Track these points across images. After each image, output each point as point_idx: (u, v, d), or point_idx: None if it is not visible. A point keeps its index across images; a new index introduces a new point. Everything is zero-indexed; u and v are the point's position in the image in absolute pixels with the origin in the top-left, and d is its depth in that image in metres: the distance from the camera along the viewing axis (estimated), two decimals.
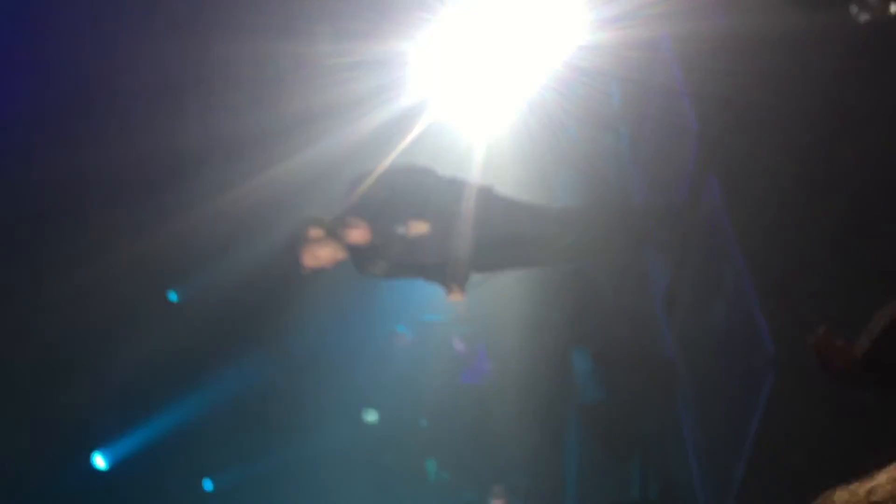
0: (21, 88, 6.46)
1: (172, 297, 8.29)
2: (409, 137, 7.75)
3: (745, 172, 3.70)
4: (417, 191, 4.44)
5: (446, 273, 4.24)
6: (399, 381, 8.69)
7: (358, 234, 4.13)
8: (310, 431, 8.82)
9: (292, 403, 8.71)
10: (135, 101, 6.90)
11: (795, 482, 3.19)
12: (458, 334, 8.35)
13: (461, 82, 7.18)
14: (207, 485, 8.79)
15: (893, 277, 2.73)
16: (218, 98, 7.01)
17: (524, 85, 6.88)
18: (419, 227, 4.23)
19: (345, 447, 8.77)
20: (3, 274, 6.78)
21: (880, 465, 2.53)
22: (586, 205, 4.35)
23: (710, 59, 4.21)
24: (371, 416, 8.63)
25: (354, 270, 4.33)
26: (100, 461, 7.93)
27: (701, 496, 4.07)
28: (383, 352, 8.60)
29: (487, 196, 4.47)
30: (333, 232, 4.14)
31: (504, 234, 4.25)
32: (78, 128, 6.72)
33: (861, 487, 1.01)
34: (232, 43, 6.72)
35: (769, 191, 3.51)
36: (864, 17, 2.35)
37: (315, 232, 4.11)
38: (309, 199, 7.75)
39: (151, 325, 7.92)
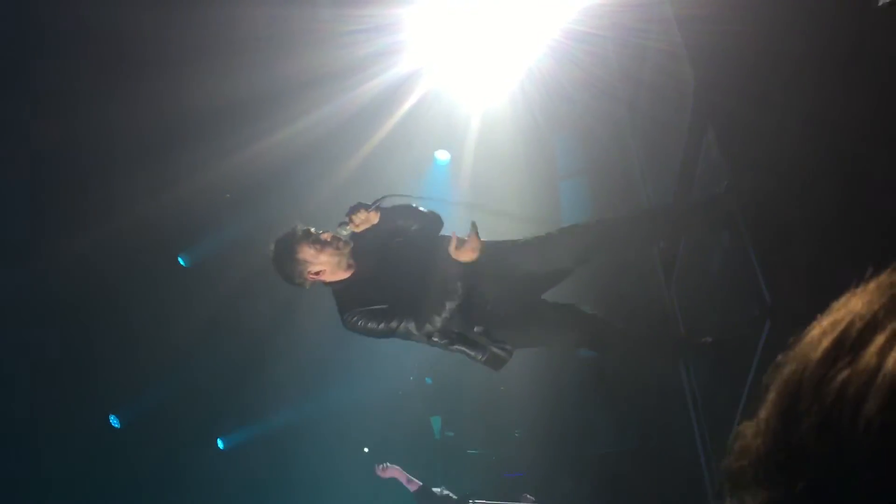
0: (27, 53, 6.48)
1: (182, 261, 8.38)
2: (408, 104, 7.83)
3: (742, 128, 3.77)
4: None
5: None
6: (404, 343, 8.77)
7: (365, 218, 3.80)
8: (319, 390, 8.95)
9: (302, 361, 8.81)
10: (139, 66, 6.91)
11: None
12: None
13: (460, 48, 7.23)
14: (220, 444, 8.97)
15: (892, 224, 2.81)
16: (220, 63, 7.03)
17: (522, 50, 6.94)
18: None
19: (353, 405, 8.88)
20: (19, 233, 6.85)
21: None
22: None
23: (708, 21, 4.26)
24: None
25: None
26: (113, 421, 8.08)
27: (700, 446, 4.19)
28: None
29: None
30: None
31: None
32: (83, 92, 6.74)
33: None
34: (233, 8, 6.73)
35: (768, 146, 3.58)
36: None
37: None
38: (310, 163, 7.84)
39: (163, 286, 8.04)
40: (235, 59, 7.11)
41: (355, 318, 3.70)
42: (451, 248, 3.59)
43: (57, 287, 7.32)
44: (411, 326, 3.68)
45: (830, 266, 3.04)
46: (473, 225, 3.63)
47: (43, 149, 6.72)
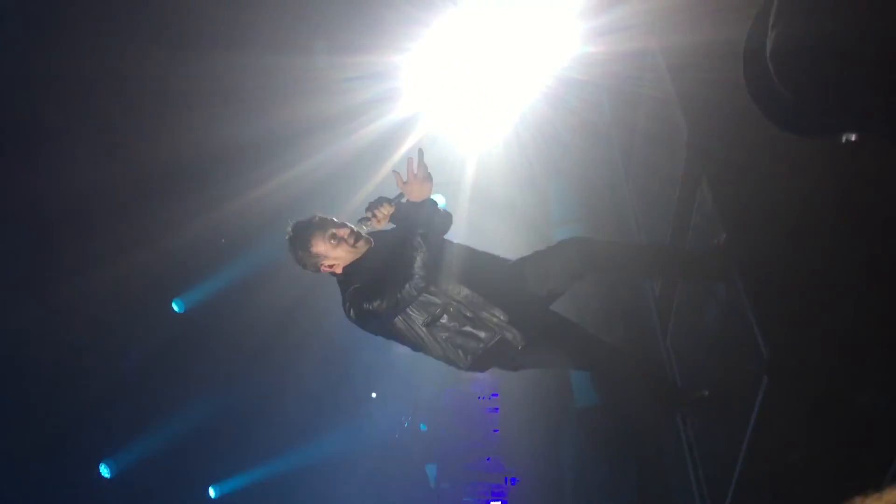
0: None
1: (177, 306, 8.35)
2: (404, 149, 7.87)
3: (736, 179, 3.76)
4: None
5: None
6: (399, 386, 8.74)
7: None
8: (313, 437, 8.88)
9: (295, 410, 8.75)
10: (137, 114, 6.96)
11: (791, 487, 3.25)
12: None
13: (455, 94, 7.29)
14: (213, 492, 8.84)
15: (886, 278, 2.79)
16: (218, 110, 7.08)
17: (517, 96, 6.99)
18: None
19: (347, 452, 8.81)
20: (12, 281, 6.81)
21: (874, 478, 2.60)
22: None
23: (699, 70, 4.28)
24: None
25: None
26: (105, 471, 7.96)
27: (697, 501, 4.11)
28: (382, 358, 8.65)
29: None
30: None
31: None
32: (83, 140, 6.77)
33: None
34: (231, 57, 6.79)
35: (760, 196, 3.57)
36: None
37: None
38: (306, 209, 7.83)
39: (157, 334, 7.98)
40: (232, 106, 7.16)
41: (347, 305, 3.61)
42: (400, 185, 3.54)
43: (50, 332, 7.26)
44: (396, 292, 3.50)
45: (828, 321, 3.01)
46: (420, 152, 3.57)
47: (40, 195, 6.72)
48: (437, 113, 7.61)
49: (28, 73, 6.30)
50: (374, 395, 8.98)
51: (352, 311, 3.58)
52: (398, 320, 3.68)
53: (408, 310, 3.64)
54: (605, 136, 5.96)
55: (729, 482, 3.60)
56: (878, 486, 2.69)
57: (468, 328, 3.69)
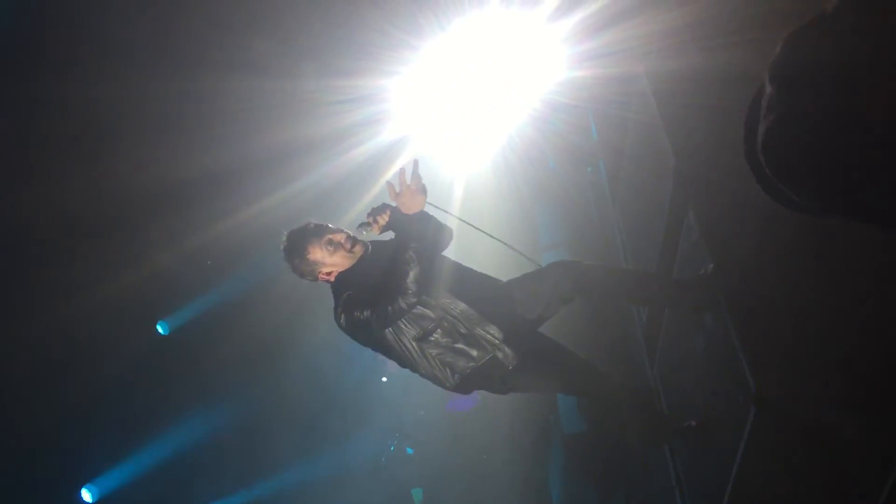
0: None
1: (162, 329, 8.29)
2: (392, 171, 7.86)
3: (723, 205, 3.75)
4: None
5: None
6: (384, 409, 8.68)
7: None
8: (297, 461, 8.80)
9: (280, 434, 8.68)
10: (123, 135, 6.93)
11: None
12: None
13: (443, 117, 7.29)
14: None
15: (874, 310, 2.78)
16: (206, 133, 7.06)
17: (504, 119, 6.99)
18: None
19: (333, 475, 8.73)
20: None
21: (864, 500, 2.58)
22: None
23: (686, 95, 4.29)
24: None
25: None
26: (87, 495, 7.85)
27: None
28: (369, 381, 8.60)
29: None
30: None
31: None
32: (67, 161, 6.73)
33: None
34: (219, 79, 6.78)
35: (747, 224, 3.55)
36: None
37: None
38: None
39: (142, 356, 7.91)
40: (220, 128, 7.15)
41: (339, 311, 3.53)
42: (393, 196, 3.48)
43: (33, 355, 7.18)
44: (388, 305, 3.42)
45: (816, 352, 2.99)
46: (415, 163, 3.53)
47: (23, 216, 6.67)
48: (425, 135, 7.61)
49: (11, 95, 6.29)
50: (384, 378, 8.76)
51: (342, 319, 3.52)
52: (388, 332, 3.58)
53: (400, 322, 3.55)
54: (591, 161, 5.95)
55: None
56: None
57: (461, 345, 3.61)
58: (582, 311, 4.95)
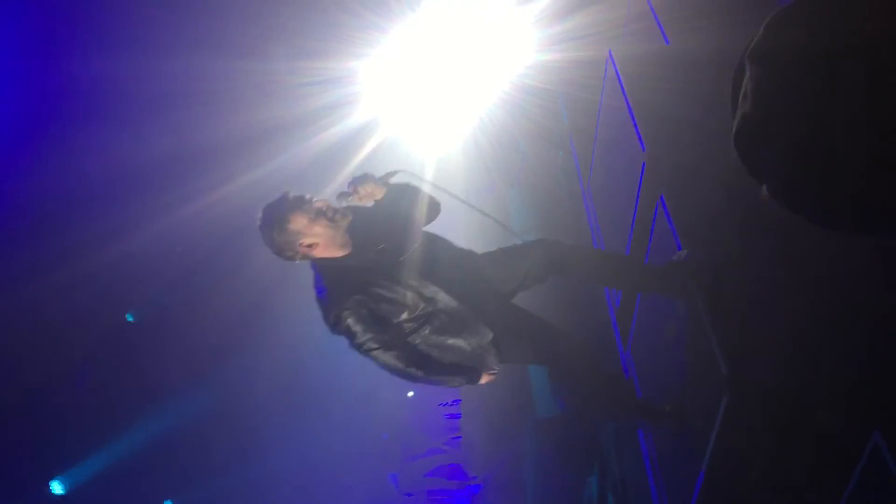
0: None
1: (129, 318, 8.19)
2: (364, 152, 7.81)
3: (694, 191, 3.76)
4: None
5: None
6: (360, 396, 8.68)
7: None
8: (272, 449, 8.78)
9: (254, 422, 8.65)
10: (91, 117, 6.82)
11: (751, 502, 3.26)
12: None
13: (414, 99, 7.24)
14: None
15: (847, 296, 2.80)
16: (174, 114, 6.96)
17: (475, 102, 6.96)
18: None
19: (309, 461, 8.73)
20: None
21: (832, 494, 2.61)
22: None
23: (654, 79, 4.28)
24: None
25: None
26: (57, 487, 7.79)
27: None
28: (343, 369, 8.56)
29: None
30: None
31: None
32: (31, 144, 6.62)
33: None
34: (187, 61, 6.67)
35: (718, 209, 3.56)
36: None
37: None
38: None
39: (110, 346, 7.83)
40: (188, 110, 7.05)
41: (346, 314, 3.36)
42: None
43: None
44: (397, 359, 3.44)
45: (787, 339, 3.01)
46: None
47: None
48: (395, 118, 7.56)
49: None
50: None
51: (341, 329, 3.40)
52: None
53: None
54: (562, 145, 5.94)
55: (690, 496, 3.59)
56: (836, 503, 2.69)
57: (451, 341, 3.56)
58: (555, 296, 4.94)
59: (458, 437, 8.41)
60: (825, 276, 2.91)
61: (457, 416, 8.40)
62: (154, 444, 8.05)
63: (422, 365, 3.52)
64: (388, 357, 3.44)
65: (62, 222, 7.10)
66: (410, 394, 8.89)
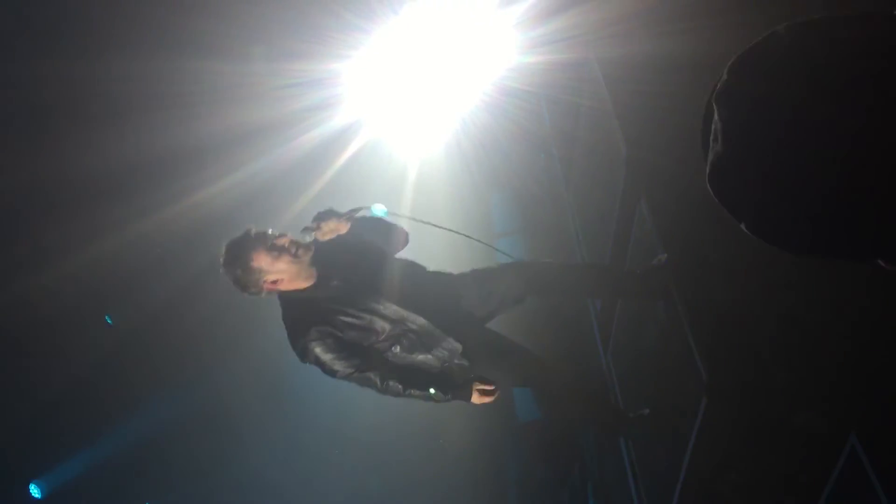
0: None
1: (108, 320, 8.11)
2: (345, 156, 7.77)
3: (675, 194, 3.76)
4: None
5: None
6: (341, 399, 8.61)
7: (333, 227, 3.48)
8: (253, 451, 8.73)
9: (235, 424, 8.60)
10: (69, 117, 6.75)
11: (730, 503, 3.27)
12: None
13: (396, 101, 7.22)
14: None
15: (824, 301, 2.81)
16: (150, 116, 6.89)
17: (457, 104, 6.95)
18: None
19: (288, 468, 8.68)
20: None
21: (809, 495, 2.62)
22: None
23: (636, 82, 4.29)
24: None
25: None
26: (35, 491, 7.71)
27: None
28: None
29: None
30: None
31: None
32: (5, 145, 6.54)
33: None
34: (165, 61, 6.61)
35: (699, 211, 3.57)
36: None
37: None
38: (244, 217, 7.68)
39: (88, 348, 7.74)
40: (164, 112, 6.98)
41: (312, 345, 3.39)
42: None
43: None
44: (374, 377, 3.46)
45: (766, 343, 3.03)
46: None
47: None
48: (377, 120, 7.53)
49: None
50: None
51: (305, 355, 3.44)
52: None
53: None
54: (545, 147, 5.95)
55: (670, 498, 3.60)
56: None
57: (420, 357, 3.59)
58: (535, 301, 4.95)
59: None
60: (804, 280, 2.92)
61: None
62: (134, 447, 7.98)
63: (402, 380, 3.52)
64: (363, 378, 3.47)
65: (39, 223, 7.02)
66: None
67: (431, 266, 3.81)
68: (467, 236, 4.11)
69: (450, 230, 4.09)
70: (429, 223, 3.98)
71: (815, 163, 0.85)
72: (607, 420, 4.14)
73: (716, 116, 0.95)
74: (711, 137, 0.96)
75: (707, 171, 0.99)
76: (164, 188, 7.37)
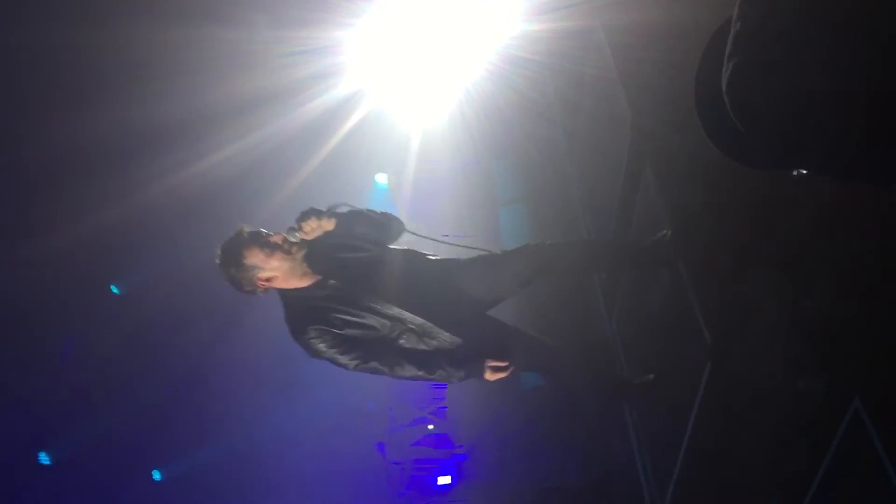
0: None
1: (115, 290, 8.15)
2: (348, 125, 7.76)
3: (680, 162, 3.77)
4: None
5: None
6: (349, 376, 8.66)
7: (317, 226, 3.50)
8: (258, 417, 8.80)
9: (240, 391, 8.65)
10: (73, 86, 6.73)
11: (733, 467, 3.31)
12: None
13: (399, 70, 7.19)
14: (156, 475, 8.72)
15: (827, 268, 2.83)
16: (156, 85, 6.87)
17: (461, 72, 6.92)
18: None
19: (295, 432, 8.75)
20: None
21: (813, 458, 2.66)
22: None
23: (642, 50, 4.27)
24: None
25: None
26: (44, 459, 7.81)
27: (644, 483, 4.17)
28: None
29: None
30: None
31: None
32: (11, 113, 6.54)
33: None
34: (168, 29, 6.58)
35: (703, 182, 3.58)
36: None
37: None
38: (247, 186, 7.69)
39: (96, 317, 7.79)
40: (169, 81, 6.96)
41: (313, 338, 3.43)
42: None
43: None
44: (381, 367, 3.49)
45: (770, 309, 3.05)
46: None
47: None
48: (381, 89, 7.51)
49: None
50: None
51: (308, 345, 3.45)
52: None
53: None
54: (548, 116, 5.93)
55: (674, 463, 3.65)
56: (816, 467, 2.74)
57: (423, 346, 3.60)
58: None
59: (444, 408, 8.48)
60: (806, 246, 2.94)
61: (443, 386, 8.45)
62: (141, 416, 8.05)
63: (413, 363, 3.54)
64: (370, 369, 3.50)
65: (42, 192, 7.03)
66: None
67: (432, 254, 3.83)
68: (465, 246, 4.06)
69: (450, 244, 4.06)
70: (427, 237, 3.97)
71: (848, 72, 0.81)
72: (612, 390, 4.18)
73: (735, 28, 0.91)
74: (728, 49, 0.93)
75: (726, 81, 0.95)
76: (167, 158, 7.37)
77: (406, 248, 3.78)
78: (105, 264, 7.90)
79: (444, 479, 8.11)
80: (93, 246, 7.39)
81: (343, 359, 3.46)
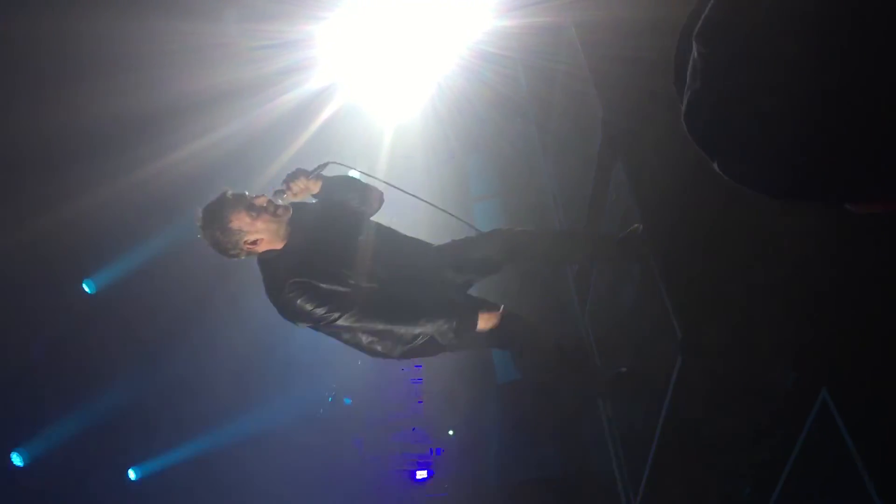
0: None
1: (89, 287, 8.04)
2: (320, 120, 7.72)
3: (651, 158, 3.81)
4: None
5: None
6: (322, 362, 8.66)
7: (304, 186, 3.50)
8: (236, 415, 8.76)
9: (217, 388, 8.60)
10: (41, 77, 6.63)
11: (705, 458, 3.37)
12: None
13: (371, 65, 7.18)
14: (132, 474, 8.65)
15: (796, 260, 2.87)
16: (120, 77, 6.78)
17: (433, 68, 6.93)
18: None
19: (271, 429, 8.72)
20: None
21: (782, 449, 2.71)
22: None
23: (614, 47, 4.30)
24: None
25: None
26: (17, 459, 7.69)
27: (617, 473, 4.22)
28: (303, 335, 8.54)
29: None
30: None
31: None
32: None
33: None
34: (134, 20, 6.49)
35: (674, 176, 3.62)
36: None
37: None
38: (219, 180, 7.62)
39: (67, 315, 7.69)
40: (135, 73, 6.87)
41: (293, 294, 3.35)
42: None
43: None
44: (358, 313, 3.45)
45: (740, 303, 3.10)
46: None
47: None
48: (353, 84, 7.48)
49: None
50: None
51: (284, 302, 3.38)
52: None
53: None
54: (521, 111, 5.96)
55: (647, 454, 3.70)
56: (786, 457, 2.80)
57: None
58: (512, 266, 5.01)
59: (420, 402, 8.51)
60: (777, 242, 2.99)
61: (419, 381, 8.49)
62: (115, 415, 7.98)
63: (393, 309, 3.51)
64: (350, 320, 3.43)
65: (7, 187, 6.92)
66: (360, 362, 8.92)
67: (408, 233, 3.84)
68: (443, 210, 4.09)
69: (422, 200, 4.07)
70: (400, 189, 3.98)
71: (795, 104, 0.82)
72: (585, 379, 4.22)
73: (694, 53, 0.92)
74: (689, 75, 0.94)
75: (683, 108, 0.97)
76: (136, 150, 7.28)
77: (383, 224, 3.77)
78: (76, 261, 7.80)
79: (421, 474, 8.16)
80: (64, 242, 7.29)
81: (321, 310, 3.37)
